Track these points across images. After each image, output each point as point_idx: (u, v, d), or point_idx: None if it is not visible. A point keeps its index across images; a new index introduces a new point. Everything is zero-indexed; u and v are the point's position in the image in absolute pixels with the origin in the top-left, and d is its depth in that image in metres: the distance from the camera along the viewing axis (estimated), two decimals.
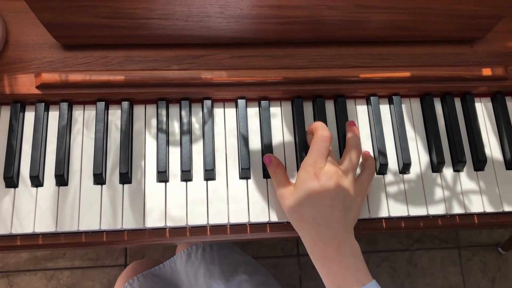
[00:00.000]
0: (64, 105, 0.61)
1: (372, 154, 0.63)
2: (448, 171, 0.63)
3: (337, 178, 0.54)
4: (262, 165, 0.61)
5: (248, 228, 0.60)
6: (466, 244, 1.45)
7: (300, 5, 0.58)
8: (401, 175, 0.63)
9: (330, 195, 0.53)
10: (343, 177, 0.55)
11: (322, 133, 0.57)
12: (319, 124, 0.58)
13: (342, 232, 0.53)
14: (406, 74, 0.63)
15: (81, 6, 0.55)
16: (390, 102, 0.65)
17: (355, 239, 0.55)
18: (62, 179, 0.58)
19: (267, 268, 1.39)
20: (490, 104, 0.67)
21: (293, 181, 0.58)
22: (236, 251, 0.79)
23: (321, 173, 0.54)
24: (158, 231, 0.59)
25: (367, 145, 0.64)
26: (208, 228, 0.60)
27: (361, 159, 0.61)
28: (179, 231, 0.60)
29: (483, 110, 0.66)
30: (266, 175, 0.61)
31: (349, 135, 0.60)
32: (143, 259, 0.88)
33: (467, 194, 0.63)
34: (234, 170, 0.61)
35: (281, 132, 0.63)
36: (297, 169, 0.62)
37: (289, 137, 0.63)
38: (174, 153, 0.61)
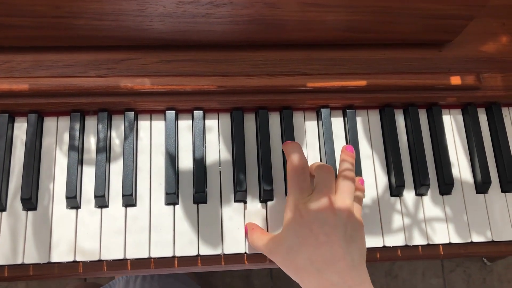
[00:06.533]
0: None
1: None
2: (409, 195, 0.55)
3: (329, 204, 0.44)
4: (191, 189, 0.53)
5: (176, 262, 0.52)
6: None
7: (236, 1, 0.49)
8: None
9: (323, 229, 0.43)
10: (338, 202, 0.45)
11: (293, 164, 0.47)
12: (288, 148, 0.49)
13: (350, 273, 0.43)
14: (362, 82, 0.54)
15: None
16: (345, 114, 0.57)
17: (370, 281, 0.45)
18: None
19: (236, 281, 1.32)
20: (460, 117, 0.59)
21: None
22: (181, 280, 0.70)
23: (306, 206, 0.44)
24: (70, 265, 0.51)
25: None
26: (129, 262, 0.52)
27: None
28: (95, 264, 0.51)
29: (452, 124, 0.58)
30: (196, 201, 0.52)
31: (342, 164, 0.50)
32: (85, 282, 0.80)
33: (431, 222, 0.54)
34: (159, 195, 0.52)
35: (217, 149, 0.55)
36: (234, 192, 0.53)
37: (226, 155, 0.55)
38: (88, 174, 0.52)
